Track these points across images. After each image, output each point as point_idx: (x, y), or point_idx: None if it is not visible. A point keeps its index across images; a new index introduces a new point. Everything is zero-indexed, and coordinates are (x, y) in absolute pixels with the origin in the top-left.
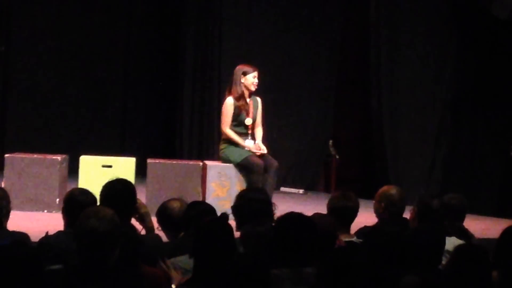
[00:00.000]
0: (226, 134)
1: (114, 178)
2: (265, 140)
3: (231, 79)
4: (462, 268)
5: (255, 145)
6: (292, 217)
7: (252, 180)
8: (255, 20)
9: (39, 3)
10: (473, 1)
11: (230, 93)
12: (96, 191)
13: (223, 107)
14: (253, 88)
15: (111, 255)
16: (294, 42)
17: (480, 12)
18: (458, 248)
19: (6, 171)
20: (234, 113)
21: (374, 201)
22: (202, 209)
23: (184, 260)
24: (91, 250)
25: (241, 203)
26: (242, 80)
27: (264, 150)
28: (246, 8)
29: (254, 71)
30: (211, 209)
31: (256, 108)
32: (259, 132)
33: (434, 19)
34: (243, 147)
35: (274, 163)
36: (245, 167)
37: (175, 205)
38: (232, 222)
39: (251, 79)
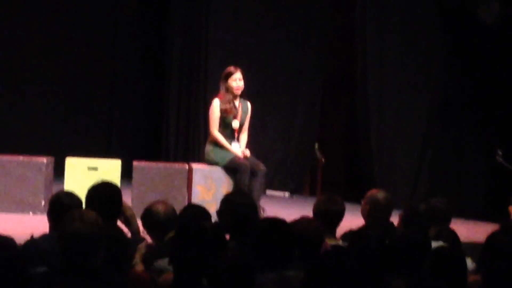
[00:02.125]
0: (214, 137)
1: (100, 181)
2: (250, 144)
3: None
4: (439, 271)
5: (240, 151)
6: (267, 223)
7: (239, 180)
8: (242, 23)
9: (26, 3)
10: (460, 5)
11: (217, 96)
12: (82, 193)
13: (210, 110)
14: (235, 92)
15: (95, 258)
16: (280, 45)
17: (466, 16)
18: (434, 251)
19: None
20: (220, 115)
21: (361, 204)
22: (196, 212)
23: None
24: (74, 253)
25: (226, 207)
26: (225, 84)
27: (248, 155)
28: (233, 11)
29: (235, 71)
30: (205, 213)
31: (245, 112)
32: (243, 137)
33: (420, 23)
34: (229, 151)
35: (262, 167)
36: (231, 168)
37: (160, 208)
38: None
39: (231, 83)
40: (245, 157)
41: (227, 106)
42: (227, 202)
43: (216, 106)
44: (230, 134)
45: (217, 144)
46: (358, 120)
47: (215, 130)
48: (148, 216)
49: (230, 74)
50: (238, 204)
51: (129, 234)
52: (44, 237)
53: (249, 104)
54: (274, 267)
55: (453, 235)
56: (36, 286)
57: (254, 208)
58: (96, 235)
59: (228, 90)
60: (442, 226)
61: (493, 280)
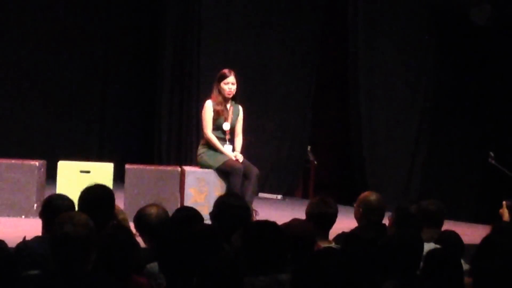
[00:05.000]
0: (207, 138)
1: (92, 184)
2: (243, 146)
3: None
4: (434, 273)
5: (233, 154)
6: (259, 226)
7: (232, 183)
8: (234, 26)
9: (18, 4)
10: (452, 7)
11: (210, 97)
12: (74, 197)
13: (202, 111)
14: (227, 95)
15: (87, 261)
16: (272, 48)
17: (459, 19)
18: (429, 253)
19: None
20: (212, 117)
21: (354, 206)
22: (189, 214)
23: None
24: (66, 256)
25: (220, 209)
26: (218, 86)
27: (240, 159)
28: (225, 14)
29: (229, 75)
30: (198, 215)
31: (236, 115)
32: (238, 141)
33: (412, 26)
34: (221, 153)
35: (255, 169)
36: (224, 171)
37: (153, 210)
38: None
39: (223, 86)
40: (238, 161)
41: (219, 107)
42: (220, 204)
43: (209, 107)
44: (222, 136)
45: (210, 146)
46: (350, 123)
47: (208, 131)
48: (141, 219)
49: (223, 77)
50: (231, 206)
51: None
52: (36, 239)
53: (240, 108)
54: (266, 270)
55: (457, 238)
56: None
57: (247, 210)
58: (87, 237)
59: (220, 92)
60: (435, 228)
61: (485, 283)
